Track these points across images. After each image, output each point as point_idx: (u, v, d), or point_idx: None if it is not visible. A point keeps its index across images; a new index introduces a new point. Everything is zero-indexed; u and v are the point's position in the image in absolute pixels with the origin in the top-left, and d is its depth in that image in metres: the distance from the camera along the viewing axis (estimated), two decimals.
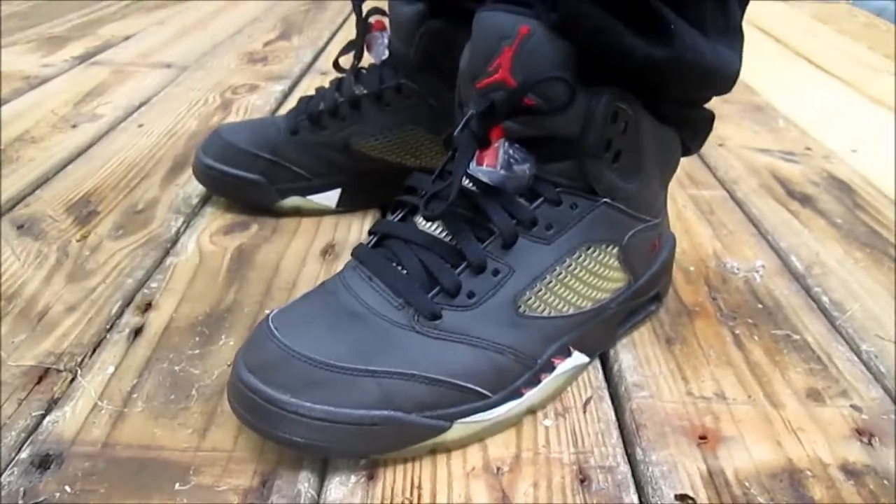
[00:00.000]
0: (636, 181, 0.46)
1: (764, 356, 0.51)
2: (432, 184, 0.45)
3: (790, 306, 0.57)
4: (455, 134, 0.42)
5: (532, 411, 0.45)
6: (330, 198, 0.68)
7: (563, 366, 0.46)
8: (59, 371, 0.47)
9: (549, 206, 0.44)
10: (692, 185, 0.78)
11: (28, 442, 0.42)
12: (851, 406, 0.47)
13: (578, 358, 0.47)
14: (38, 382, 0.46)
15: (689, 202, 0.74)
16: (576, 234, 0.45)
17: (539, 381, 0.45)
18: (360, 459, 0.41)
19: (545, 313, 0.44)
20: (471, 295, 0.43)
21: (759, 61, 1.26)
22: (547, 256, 0.44)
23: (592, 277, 0.46)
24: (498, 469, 0.41)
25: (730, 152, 0.87)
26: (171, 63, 1.12)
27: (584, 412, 0.46)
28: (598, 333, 0.49)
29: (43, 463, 0.40)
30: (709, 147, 0.88)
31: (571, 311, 0.46)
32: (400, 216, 0.47)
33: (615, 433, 0.44)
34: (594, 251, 0.46)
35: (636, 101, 0.43)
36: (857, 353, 0.52)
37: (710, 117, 0.50)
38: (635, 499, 0.40)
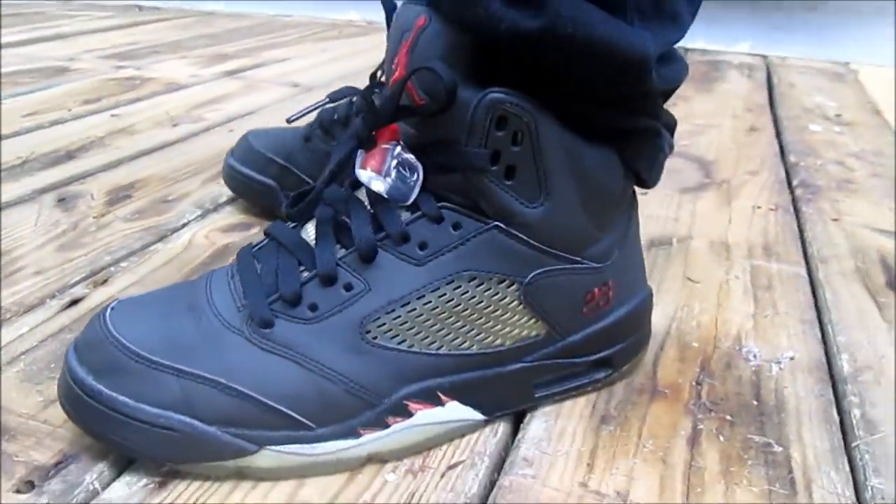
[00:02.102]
0: (542, 206, 0.38)
1: (717, 463, 0.39)
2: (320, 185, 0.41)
3: (796, 412, 0.44)
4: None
5: (381, 460, 0.39)
6: None
7: (429, 415, 0.39)
8: None
9: (427, 222, 0.38)
10: (763, 256, 0.64)
11: None
12: None
13: (458, 411, 0.40)
14: None
15: (746, 273, 0.61)
16: (454, 259, 0.38)
17: (387, 425, 0.38)
18: (160, 465, 0.38)
19: (402, 345, 0.38)
20: (313, 308, 0.37)
21: None
22: (414, 279, 0.38)
23: (478, 317, 0.39)
24: None
25: (841, 228, 0.71)
26: (299, 83, 1.18)
27: (442, 477, 0.38)
28: (497, 388, 0.41)
29: None
30: (815, 220, 0.73)
31: (444, 350, 0.39)
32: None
33: None
34: (481, 285, 0.38)
35: (537, 106, 0.36)
36: (858, 486, 0.38)
37: (651, 129, 0.40)
38: None
